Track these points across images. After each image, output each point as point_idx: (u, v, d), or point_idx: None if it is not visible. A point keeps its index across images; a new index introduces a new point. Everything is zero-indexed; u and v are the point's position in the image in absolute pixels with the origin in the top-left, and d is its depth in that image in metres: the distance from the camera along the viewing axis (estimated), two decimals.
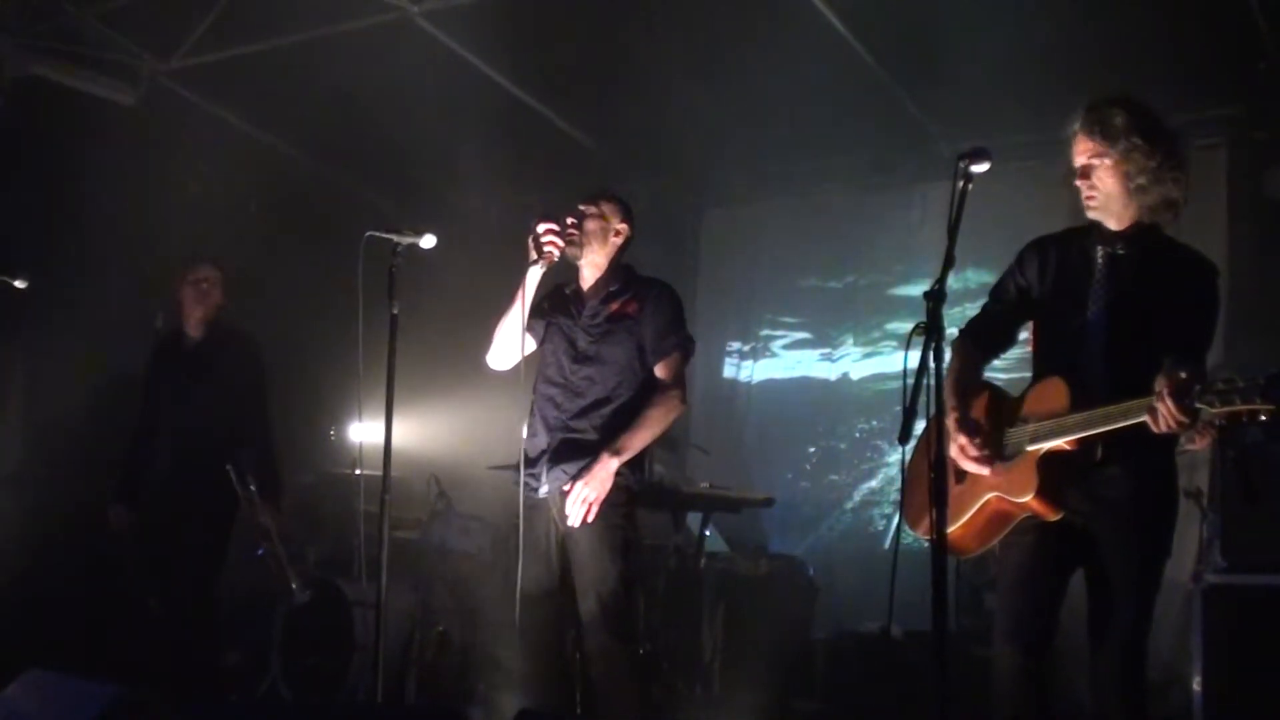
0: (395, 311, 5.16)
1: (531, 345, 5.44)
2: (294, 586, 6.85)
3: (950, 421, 4.25)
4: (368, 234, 5.21)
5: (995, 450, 4.24)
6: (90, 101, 8.08)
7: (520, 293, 5.32)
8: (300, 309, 6.84)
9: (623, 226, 5.46)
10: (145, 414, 6.95)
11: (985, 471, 4.20)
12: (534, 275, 5.31)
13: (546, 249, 5.21)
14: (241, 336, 6.97)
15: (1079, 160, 4.26)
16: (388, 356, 5.15)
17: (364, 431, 7.13)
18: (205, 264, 6.86)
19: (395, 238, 5.23)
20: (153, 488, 6.77)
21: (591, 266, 5.45)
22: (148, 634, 6.74)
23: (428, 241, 5.27)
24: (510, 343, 5.36)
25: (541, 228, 5.22)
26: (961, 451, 4.21)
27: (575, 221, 5.34)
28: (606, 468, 5.08)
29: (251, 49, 8.09)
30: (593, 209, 5.41)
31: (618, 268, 5.47)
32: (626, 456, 5.14)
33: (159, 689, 5.79)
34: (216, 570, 6.74)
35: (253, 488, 6.52)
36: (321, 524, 8.25)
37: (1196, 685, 5.84)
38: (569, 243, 5.29)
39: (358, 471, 7.39)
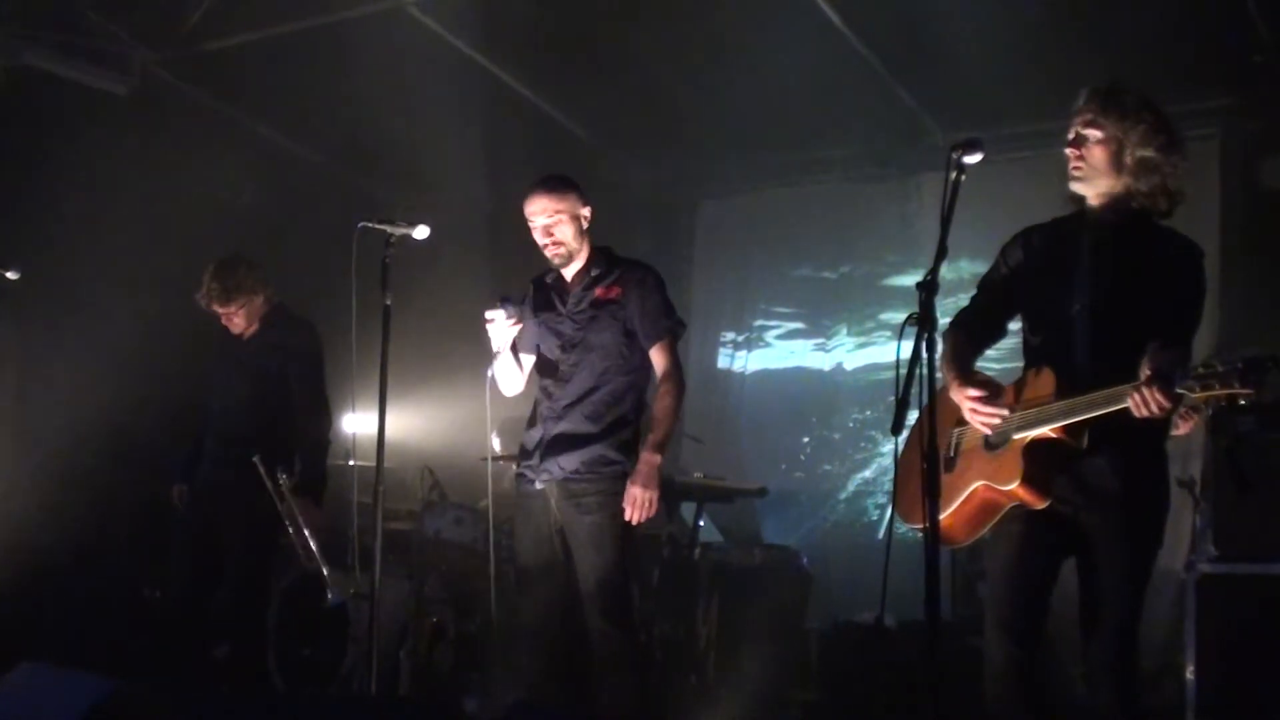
0: (388, 302, 5.17)
1: (533, 357, 5.53)
2: (329, 594, 6.73)
3: (954, 388, 4.27)
4: (361, 224, 5.20)
5: (980, 444, 4.24)
6: (83, 91, 8.05)
7: (500, 369, 5.46)
8: (293, 299, 6.80)
9: (586, 210, 5.43)
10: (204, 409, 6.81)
11: (1000, 418, 4.20)
12: (504, 357, 5.41)
13: (506, 340, 5.32)
14: (296, 328, 6.72)
15: (1074, 129, 4.27)
16: (381, 347, 5.15)
17: (357, 422, 7.12)
18: (214, 303, 6.55)
19: (388, 228, 5.23)
20: (196, 487, 6.66)
21: (575, 257, 5.46)
22: (147, 626, 6.70)
23: (421, 232, 5.27)
24: (511, 379, 5.53)
25: (497, 322, 5.29)
26: (975, 405, 4.21)
27: (555, 239, 5.34)
28: (654, 465, 5.18)
29: (245, 39, 8.08)
30: (561, 216, 5.35)
31: (596, 251, 5.48)
32: (665, 449, 5.26)
33: (153, 681, 5.80)
34: (262, 573, 6.64)
35: (283, 478, 6.41)
36: None
37: (1190, 674, 5.84)
38: (556, 258, 5.37)
39: (351, 462, 7.38)
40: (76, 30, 7.98)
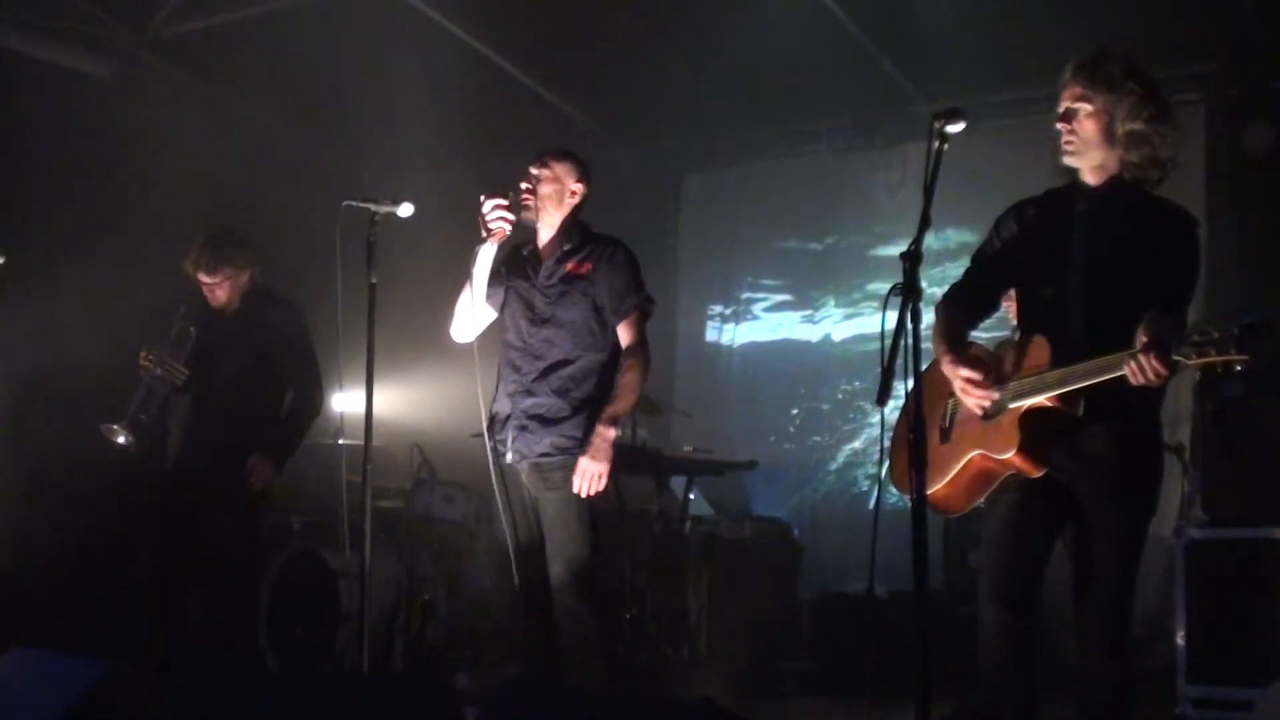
0: (374, 281, 5.14)
1: (492, 314, 5.43)
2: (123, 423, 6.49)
3: (946, 364, 4.27)
4: (344, 203, 5.18)
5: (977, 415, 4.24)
6: (64, 75, 8.02)
7: (473, 270, 5.32)
8: (278, 279, 6.78)
9: (578, 186, 5.38)
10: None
11: (991, 400, 4.20)
12: (486, 252, 5.30)
13: (495, 225, 5.20)
14: (279, 308, 6.57)
15: (1064, 104, 4.26)
16: (367, 326, 5.13)
17: (345, 401, 7.11)
18: (200, 271, 6.44)
19: (372, 207, 5.20)
20: (170, 467, 6.58)
21: (549, 228, 5.38)
22: (137, 609, 6.68)
23: (405, 210, 5.24)
24: (468, 317, 5.40)
25: (488, 205, 5.19)
26: (967, 384, 4.21)
27: (529, 187, 5.30)
28: (607, 439, 5.09)
29: (226, 18, 8.04)
30: (546, 171, 5.32)
31: (572, 226, 5.40)
32: (620, 424, 5.20)
33: (144, 664, 5.79)
34: (249, 554, 6.57)
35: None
36: (305, 494, 8.25)
37: (1180, 639, 5.89)
38: (524, 209, 5.27)
39: (340, 441, 7.39)
40: (57, 13, 7.95)
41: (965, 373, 4.22)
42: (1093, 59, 4.25)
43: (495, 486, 5.27)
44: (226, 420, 6.33)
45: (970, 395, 4.23)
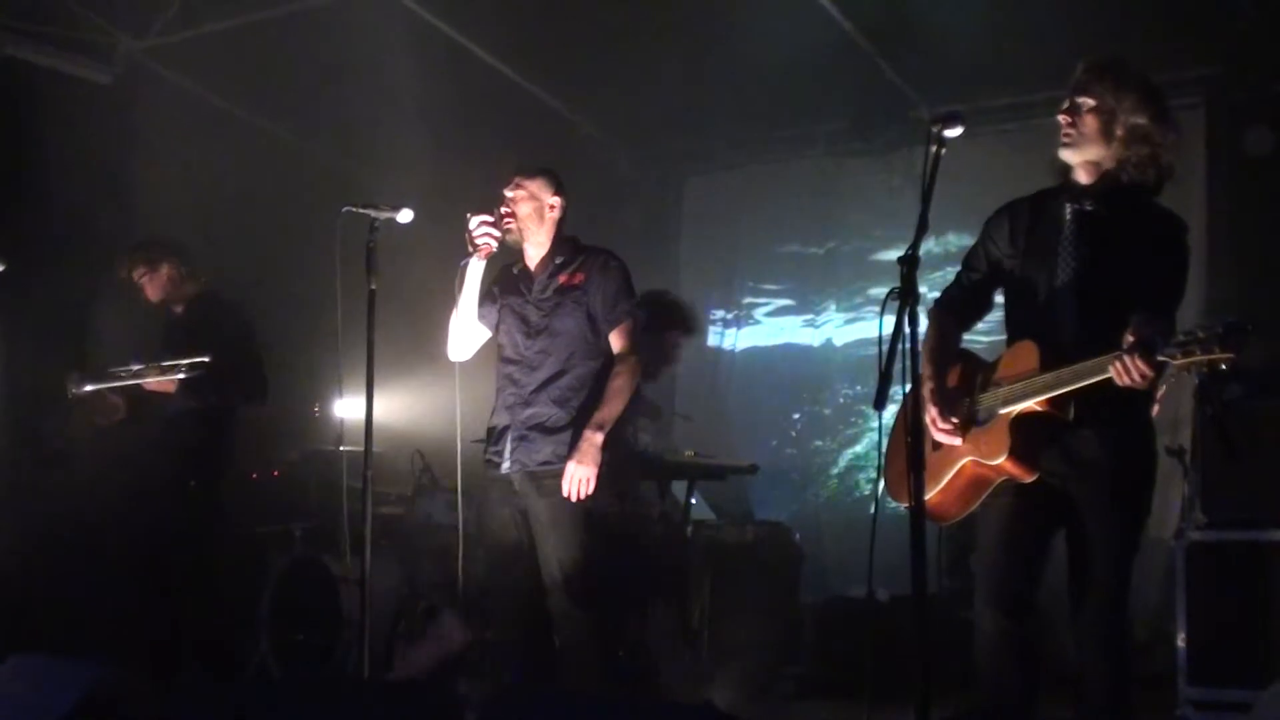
0: (373, 287, 5.16)
1: (486, 332, 5.52)
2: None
3: (925, 392, 4.27)
4: (344, 209, 5.19)
5: (967, 420, 4.25)
6: (65, 81, 8.03)
7: (461, 287, 5.42)
8: (280, 286, 6.80)
9: (555, 200, 5.45)
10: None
11: (956, 443, 4.22)
12: (474, 269, 5.39)
13: (482, 241, 5.30)
14: (221, 309, 6.80)
15: (1068, 97, 4.27)
16: (367, 332, 5.14)
17: (346, 407, 7.11)
18: (124, 261, 6.80)
19: (372, 213, 5.22)
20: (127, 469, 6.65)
21: (535, 246, 5.46)
22: (131, 614, 6.71)
23: (405, 216, 5.26)
24: (463, 335, 5.49)
25: (474, 222, 5.30)
26: (933, 424, 4.23)
27: (509, 211, 5.37)
28: (593, 443, 5.13)
29: (227, 24, 8.04)
30: (521, 192, 5.41)
31: (561, 240, 5.49)
32: (607, 429, 5.20)
33: (142, 669, 5.81)
34: (201, 549, 6.65)
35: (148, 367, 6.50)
36: (306, 500, 8.25)
37: (1180, 641, 5.89)
38: (507, 232, 5.36)
39: (340, 447, 7.39)
40: (58, 21, 7.95)
41: (933, 412, 4.24)
42: (1105, 60, 4.28)
43: (461, 501, 5.33)
44: (172, 436, 6.43)
45: (935, 433, 4.25)
